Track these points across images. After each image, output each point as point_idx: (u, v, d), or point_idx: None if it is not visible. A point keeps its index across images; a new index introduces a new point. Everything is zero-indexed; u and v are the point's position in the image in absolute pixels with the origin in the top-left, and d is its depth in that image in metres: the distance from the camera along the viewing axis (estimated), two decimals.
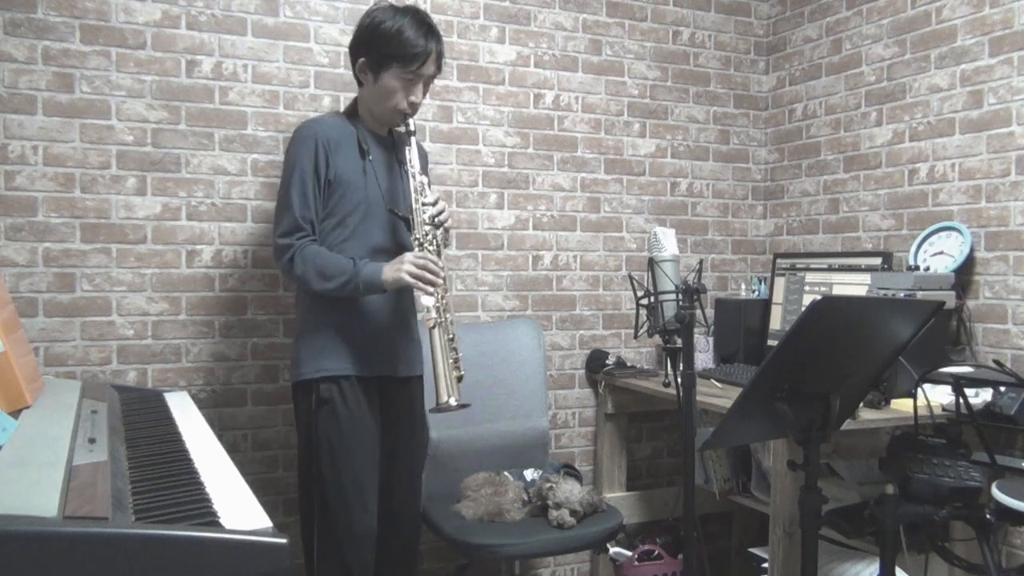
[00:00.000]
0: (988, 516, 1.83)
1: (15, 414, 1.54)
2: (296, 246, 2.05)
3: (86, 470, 1.27)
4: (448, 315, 2.04)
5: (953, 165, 2.58)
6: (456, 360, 2.03)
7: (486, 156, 2.87)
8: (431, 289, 2.00)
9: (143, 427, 1.78)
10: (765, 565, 2.33)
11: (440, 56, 2.14)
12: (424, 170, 2.28)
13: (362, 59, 2.12)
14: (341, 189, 2.10)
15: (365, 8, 2.66)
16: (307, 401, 2.10)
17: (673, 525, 2.93)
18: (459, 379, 2.02)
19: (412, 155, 2.12)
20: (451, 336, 2.04)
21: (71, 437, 1.46)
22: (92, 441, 1.47)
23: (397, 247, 2.12)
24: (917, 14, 2.69)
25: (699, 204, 3.22)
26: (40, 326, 2.36)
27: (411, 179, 2.11)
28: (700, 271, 1.99)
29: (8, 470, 1.23)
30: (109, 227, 2.43)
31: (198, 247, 2.52)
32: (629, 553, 2.82)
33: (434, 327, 2.00)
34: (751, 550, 2.58)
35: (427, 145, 2.76)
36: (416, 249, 2.06)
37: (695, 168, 3.20)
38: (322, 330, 2.11)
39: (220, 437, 1.76)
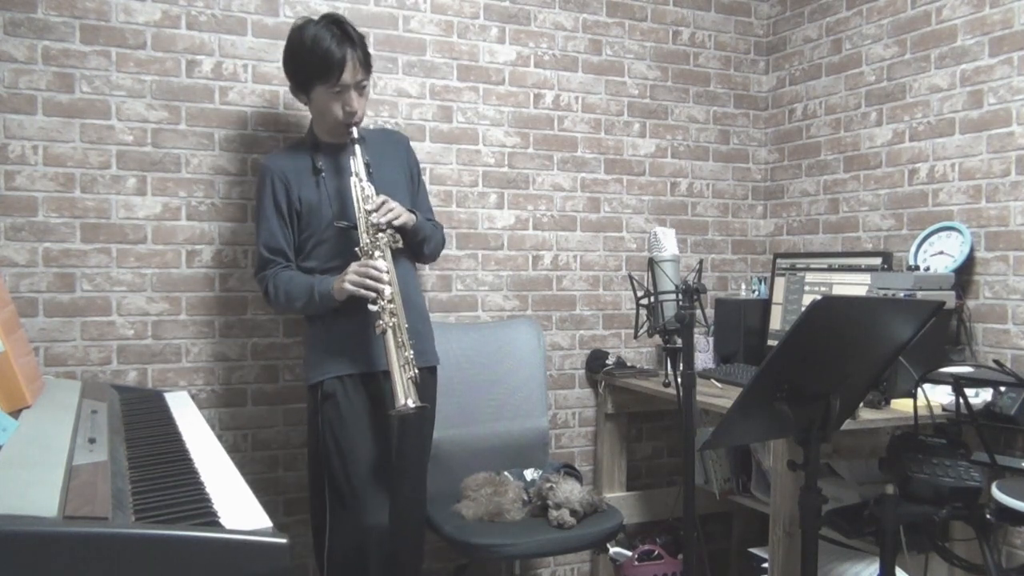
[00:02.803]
0: (988, 516, 1.83)
1: (15, 414, 1.54)
2: (268, 276, 2.19)
3: (86, 470, 1.27)
4: (396, 319, 2.07)
5: (953, 165, 2.58)
6: (409, 361, 2.06)
7: (486, 156, 2.87)
8: (374, 296, 2.05)
9: (143, 427, 1.78)
10: (765, 565, 2.33)
11: (362, 60, 2.13)
12: (404, 160, 2.34)
13: (290, 85, 2.20)
14: (307, 212, 2.19)
15: (365, 8, 2.67)
16: (314, 401, 2.20)
17: (673, 525, 2.93)
18: (413, 380, 2.05)
19: (356, 163, 2.14)
20: (401, 339, 2.06)
21: (71, 437, 1.46)
22: (92, 441, 1.47)
23: (351, 257, 2.14)
24: (917, 14, 2.69)
25: (699, 204, 3.22)
26: (40, 326, 2.36)
27: (352, 189, 2.13)
28: (700, 271, 1.98)
29: (8, 470, 1.23)
30: (109, 227, 2.43)
31: (198, 247, 2.52)
32: (629, 553, 2.82)
33: (383, 332, 2.05)
34: (751, 550, 2.58)
35: (427, 145, 2.76)
36: (362, 259, 2.10)
37: (695, 168, 3.20)
38: (323, 335, 2.21)
39: (220, 437, 1.77)
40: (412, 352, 2.08)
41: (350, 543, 2.13)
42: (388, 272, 2.08)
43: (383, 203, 2.13)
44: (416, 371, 2.07)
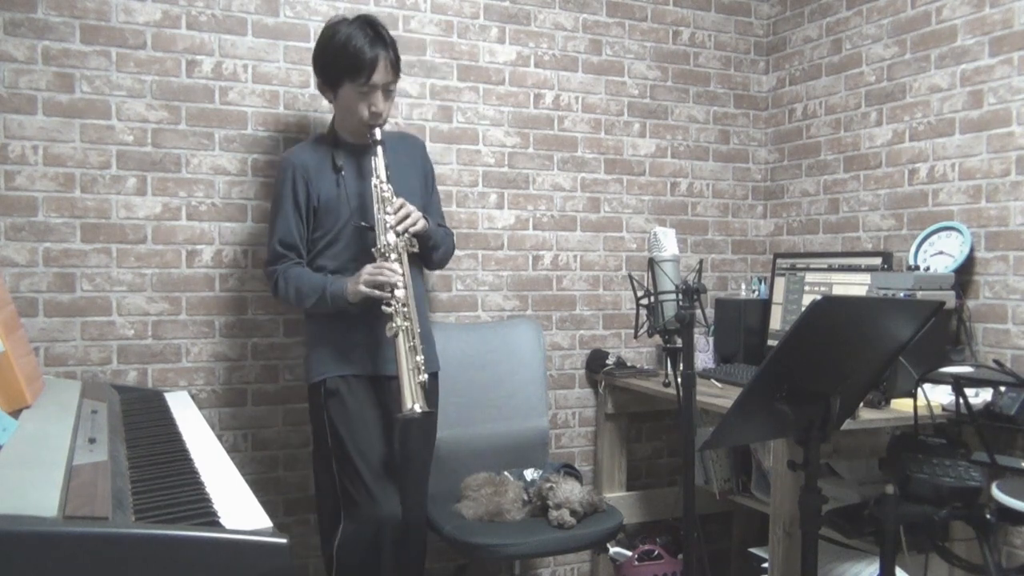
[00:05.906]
0: (988, 516, 1.83)
1: (15, 414, 1.54)
2: (279, 270, 2.21)
3: (86, 470, 1.27)
4: (408, 323, 2.08)
5: (953, 165, 2.58)
6: (419, 366, 2.06)
7: (486, 156, 2.87)
8: (388, 296, 2.06)
9: (143, 427, 1.78)
10: (765, 565, 2.33)
11: (393, 62, 2.17)
12: (420, 165, 2.37)
13: (318, 80, 2.22)
14: (324, 209, 2.20)
15: (366, 8, 2.67)
16: (318, 398, 2.21)
17: (673, 525, 2.93)
18: (422, 385, 2.05)
19: (378, 165, 2.16)
20: (412, 344, 2.07)
21: (71, 437, 1.46)
22: (92, 441, 1.47)
23: (368, 258, 2.15)
24: (917, 14, 2.69)
25: (699, 204, 3.22)
26: (40, 326, 2.36)
27: (373, 190, 2.15)
28: (700, 271, 1.99)
29: (8, 470, 1.23)
30: (109, 227, 2.43)
31: (198, 247, 2.52)
32: (629, 553, 2.82)
33: (395, 335, 2.05)
34: (751, 550, 2.58)
35: (427, 145, 2.75)
36: (378, 260, 2.11)
37: (695, 168, 3.20)
38: (326, 335, 2.23)
39: (220, 437, 1.77)
40: (423, 357, 2.08)
41: (364, 537, 2.14)
42: (403, 275, 2.09)
43: (401, 206, 2.15)
44: (426, 376, 2.08)
